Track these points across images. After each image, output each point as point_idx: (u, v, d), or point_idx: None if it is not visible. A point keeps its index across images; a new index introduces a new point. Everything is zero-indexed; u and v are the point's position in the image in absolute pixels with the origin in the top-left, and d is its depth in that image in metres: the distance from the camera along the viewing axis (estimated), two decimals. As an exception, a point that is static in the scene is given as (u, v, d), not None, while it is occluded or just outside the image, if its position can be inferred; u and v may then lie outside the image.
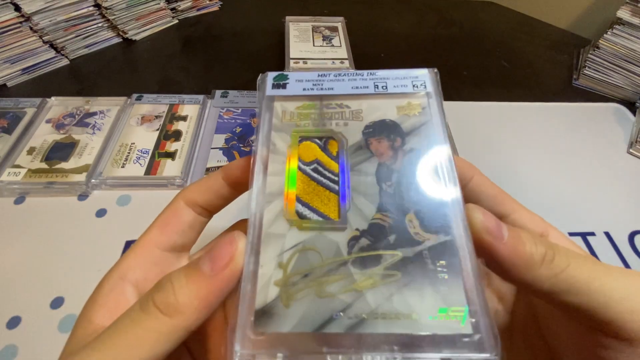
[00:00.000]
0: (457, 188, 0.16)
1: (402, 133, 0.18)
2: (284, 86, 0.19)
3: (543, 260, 0.15)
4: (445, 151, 0.17)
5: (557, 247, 0.15)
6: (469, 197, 0.19)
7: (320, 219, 0.16)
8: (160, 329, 0.14)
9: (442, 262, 0.15)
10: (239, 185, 0.19)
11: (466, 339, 0.13)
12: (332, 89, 0.19)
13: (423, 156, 0.17)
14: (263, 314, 0.14)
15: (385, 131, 0.18)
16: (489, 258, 0.15)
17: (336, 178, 0.17)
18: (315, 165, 0.17)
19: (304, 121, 0.18)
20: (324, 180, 0.17)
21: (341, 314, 0.14)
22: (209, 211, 0.20)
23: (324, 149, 0.18)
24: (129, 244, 0.38)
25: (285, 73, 0.19)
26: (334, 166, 0.17)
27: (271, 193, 0.16)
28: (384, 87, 0.19)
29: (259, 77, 0.20)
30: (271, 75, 0.20)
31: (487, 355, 0.13)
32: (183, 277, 0.15)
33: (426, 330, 0.13)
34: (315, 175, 0.17)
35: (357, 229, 0.16)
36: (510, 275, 0.15)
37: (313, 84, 0.19)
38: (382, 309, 0.14)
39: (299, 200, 0.17)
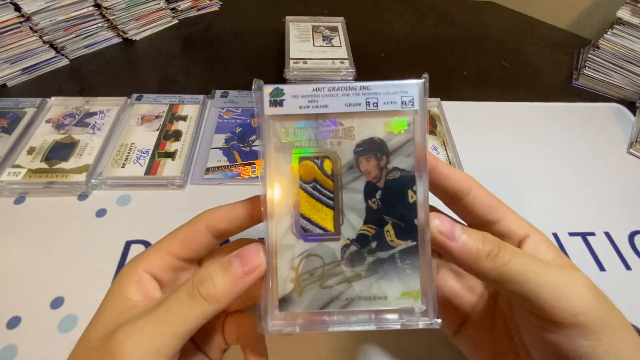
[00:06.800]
0: (427, 204, 0.20)
1: (387, 151, 0.20)
2: (280, 103, 0.20)
3: (488, 255, 0.19)
4: (422, 169, 0.20)
5: (505, 245, 0.20)
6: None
7: (321, 231, 0.20)
8: (201, 311, 0.19)
9: (407, 261, 0.20)
10: (260, 218, 0.21)
11: (417, 310, 0.20)
12: (326, 106, 0.20)
13: (402, 175, 0.20)
14: (284, 301, 0.20)
15: (373, 150, 0.20)
16: (445, 253, 0.20)
17: (332, 195, 0.20)
18: (313, 183, 0.20)
19: (302, 140, 0.20)
20: (322, 198, 0.20)
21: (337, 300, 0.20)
22: (226, 236, 0.22)
23: (321, 167, 0.20)
24: (129, 244, 0.38)
25: (280, 87, 0.20)
26: (330, 184, 0.20)
27: (280, 213, 0.20)
28: (375, 105, 0.20)
29: (254, 83, 0.20)
30: (267, 91, 0.20)
31: (429, 320, 0.20)
32: (220, 274, 0.19)
33: (393, 306, 0.20)
34: (314, 192, 0.20)
35: (348, 239, 0.20)
36: (463, 267, 0.20)
37: (309, 101, 0.20)
38: (364, 294, 0.20)
39: (302, 216, 0.20)
